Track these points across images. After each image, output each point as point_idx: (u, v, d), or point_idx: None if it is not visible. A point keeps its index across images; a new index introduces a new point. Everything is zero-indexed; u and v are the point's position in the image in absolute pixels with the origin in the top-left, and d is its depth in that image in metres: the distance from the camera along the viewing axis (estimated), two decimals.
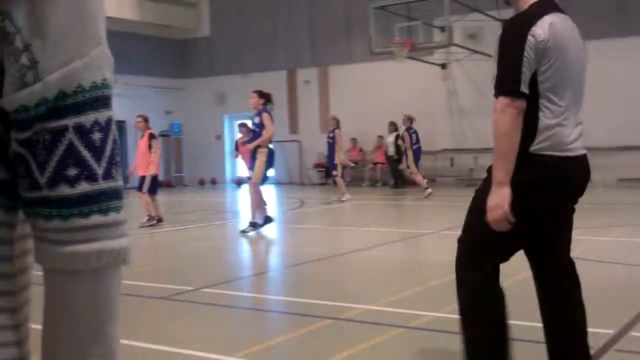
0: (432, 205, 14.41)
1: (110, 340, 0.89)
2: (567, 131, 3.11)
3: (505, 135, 2.99)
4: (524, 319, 4.14)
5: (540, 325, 3.36)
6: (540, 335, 3.38)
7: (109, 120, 0.88)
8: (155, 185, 11.90)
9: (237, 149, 15.08)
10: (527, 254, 3.37)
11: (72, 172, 0.84)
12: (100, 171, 0.86)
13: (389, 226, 11.33)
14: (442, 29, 18.40)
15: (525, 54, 3.01)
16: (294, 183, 23.00)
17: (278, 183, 22.34)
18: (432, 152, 19.98)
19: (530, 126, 3.04)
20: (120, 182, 0.88)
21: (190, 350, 4.50)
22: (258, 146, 10.58)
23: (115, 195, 0.87)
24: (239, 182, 22.29)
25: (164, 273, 7.73)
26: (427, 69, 19.89)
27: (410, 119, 16.75)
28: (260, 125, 10.61)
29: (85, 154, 0.85)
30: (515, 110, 2.99)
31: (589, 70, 3.31)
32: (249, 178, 10.87)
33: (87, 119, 0.85)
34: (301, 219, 12.36)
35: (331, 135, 15.90)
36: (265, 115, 10.61)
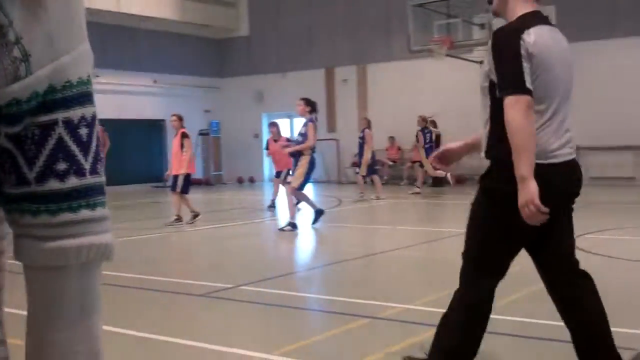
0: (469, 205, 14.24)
1: (95, 335, 0.88)
2: (550, 139, 3.14)
3: (519, 129, 3.00)
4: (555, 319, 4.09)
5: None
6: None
7: (94, 116, 0.87)
8: (187, 184, 11.98)
9: (267, 148, 15.12)
10: (533, 261, 3.40)
11: (62, 166, 0.83)
12: (87, 166, 0.86)
13: (426, 225, 11.27)
14: (482, 26, 18.23)
15: (523, 52, 3.06)
16: (332, 182, 23.00)
17: (316, 182, 22.37)
18: None
19: None
20: (104, 178, 0.88)
21: (228, 348, 4.54)
22: (301, 153, 10.80)
23: (100, 190, 0.87)
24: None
25: (203, 270, 7.81)
26: (467, 66, 19.70)
27: (424, 120, 17.27)
28: (304, 135, 10.91)
29: (74, 148, 0.84)
30: (523, 105, 3.01)
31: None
32: (288, 182, 11.03)
33: (75, 114, 0.85)
34: (339, 217, 12.36)
35: (362, 135, 16.09)
36: (310, 125, 10.89)
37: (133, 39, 22.65)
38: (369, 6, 22.33)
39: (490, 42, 3.19)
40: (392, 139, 21.49)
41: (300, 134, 11.03)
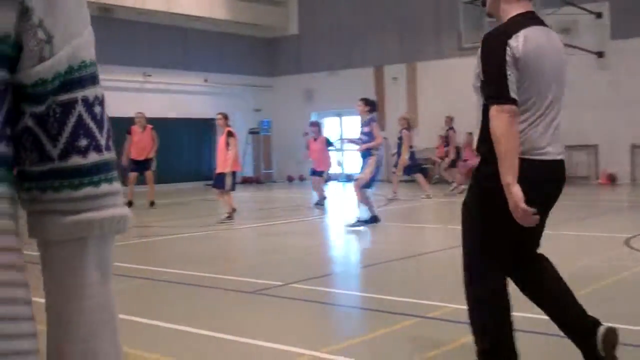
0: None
1: (112, 303, 0.93)
2: (540, 137, 3.25)
3: (502, 137, 3.12)
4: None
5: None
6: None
7: (103, 96, 0.93)
8: (233, 182, 12.08)
9: (308, 147, 15.06)
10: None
11: (83, 142, 0.88)
12: (103, 142, 0.91)
13: None
14: None
15: (507, 59, 3.14)
16: (381, 180, 22.92)
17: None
18: None
19: None
20: (115, 154, 0.93)
21: (277, 345, 4.56)
22: (369, 152, 10.88)
23: (114, 165, 0.92)
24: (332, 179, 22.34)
25: (253, 268, 7.86)
26: None
27: (451, 119, 17.80)
28: (370, 134, 10.99)
29: (92, 125, 0.89)
30: (506, 115, 3.12)
31: None
32: (355, 179, 11.05)
33: (90, 92, 0.90)
34: (388, 216, 12.30)
35: (400, 135, 16.01)
36: (374, 125, 11.01)
37: (184, 38, 22.93)
38: (419, 3, 22.17)
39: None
40: (443, 137, 21.30)
41: (365, 133, 11.07)
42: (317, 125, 15.05)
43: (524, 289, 3.59)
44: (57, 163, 0.88)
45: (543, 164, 3.27)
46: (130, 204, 13.96)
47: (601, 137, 19.08)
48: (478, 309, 3.43)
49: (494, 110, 3.16)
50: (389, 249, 8.97)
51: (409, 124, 16.10)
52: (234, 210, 12.14)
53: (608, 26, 18.79)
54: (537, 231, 3.43)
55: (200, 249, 9.50)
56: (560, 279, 3.51)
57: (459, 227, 3.54)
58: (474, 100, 3.39)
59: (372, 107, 11.22)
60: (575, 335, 3.43)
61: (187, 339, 4.83)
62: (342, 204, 15.79)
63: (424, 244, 9.55)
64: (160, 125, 16.77)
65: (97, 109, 0.91)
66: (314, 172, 14.50)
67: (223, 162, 11.96)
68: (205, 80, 23.40)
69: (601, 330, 3.33)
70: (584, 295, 5.70)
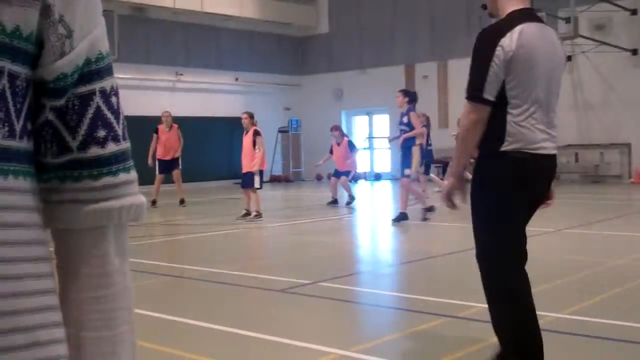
0: (554, 202, 13.87)
1: (130, 290, 0.95)
2: (534, 132, 3.26)
3: (462, 138, 3.29)
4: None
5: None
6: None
7: (117, 86, 0.95)
8: (261, 181, 12.08)
9: (331, 152, 14.96)
10: None
11: (102, 133, 0.90)
12: (120, 132, 0.93)
13: None
14: (567, 20, 17.70)
15: (493, 64, 3.18)
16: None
17: (394, 179, 22.23)
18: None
19: (499, 129, 3.23)
20: (129, 144, 0.95)
21: (305, 343, 4.56)
22: (411, 144, 10.90)
23: (130, 155, 0.95)
24: (356, 178, 22.32)
25: (281, 266, 7.87)
26: None
27: None
28: (409, 125, 10.99)
29: (110, 116, 0.92)
30: (475, 116, 3.23)
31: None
32: (405, 176, 10.95)
33: (107, 84, 0.92)
34: (417, 215, 12.22)
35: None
36: (412, 114, 11.03)
37: (215, 38, 23.06)
38: (449, 1, 22.03)
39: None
40: None
41: (405, 124, 11.06)
42: (338, 129, 14.97)
43: None
44: (76, 154, 0.90)
45: (536, 158, 3.29)
46: (154, 202, 14.08)
47: (635, 136, 18.81)
48: (499, 309, 3.42)
49: (467, 107, 3.28)
50: (419, 248, 8.93)
51: (428, 121, 15.96)
52: (247, 214, 12.09)
53: None
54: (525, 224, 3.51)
55: (228, 246, 9.54)
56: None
57: None
58: None
59: (411, 98, 11.19)
60: None
61: (213, 336, 4.85)
62: (370, 203, 15.72)
63: (455, 242, 9.48)
64: (191, 124, 16.91)
65: (114, 100, 0.93)
66: (336, 173, 14.46)
67: (250, 161, 11.96)
68: (236, 79, 23.51)
69: None
70: (615, 295, 5.63)
